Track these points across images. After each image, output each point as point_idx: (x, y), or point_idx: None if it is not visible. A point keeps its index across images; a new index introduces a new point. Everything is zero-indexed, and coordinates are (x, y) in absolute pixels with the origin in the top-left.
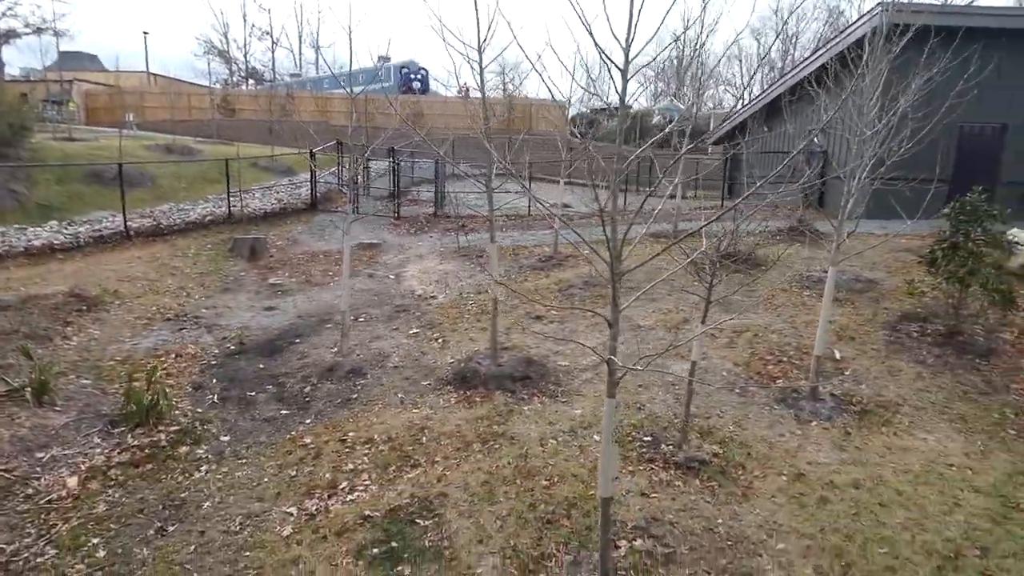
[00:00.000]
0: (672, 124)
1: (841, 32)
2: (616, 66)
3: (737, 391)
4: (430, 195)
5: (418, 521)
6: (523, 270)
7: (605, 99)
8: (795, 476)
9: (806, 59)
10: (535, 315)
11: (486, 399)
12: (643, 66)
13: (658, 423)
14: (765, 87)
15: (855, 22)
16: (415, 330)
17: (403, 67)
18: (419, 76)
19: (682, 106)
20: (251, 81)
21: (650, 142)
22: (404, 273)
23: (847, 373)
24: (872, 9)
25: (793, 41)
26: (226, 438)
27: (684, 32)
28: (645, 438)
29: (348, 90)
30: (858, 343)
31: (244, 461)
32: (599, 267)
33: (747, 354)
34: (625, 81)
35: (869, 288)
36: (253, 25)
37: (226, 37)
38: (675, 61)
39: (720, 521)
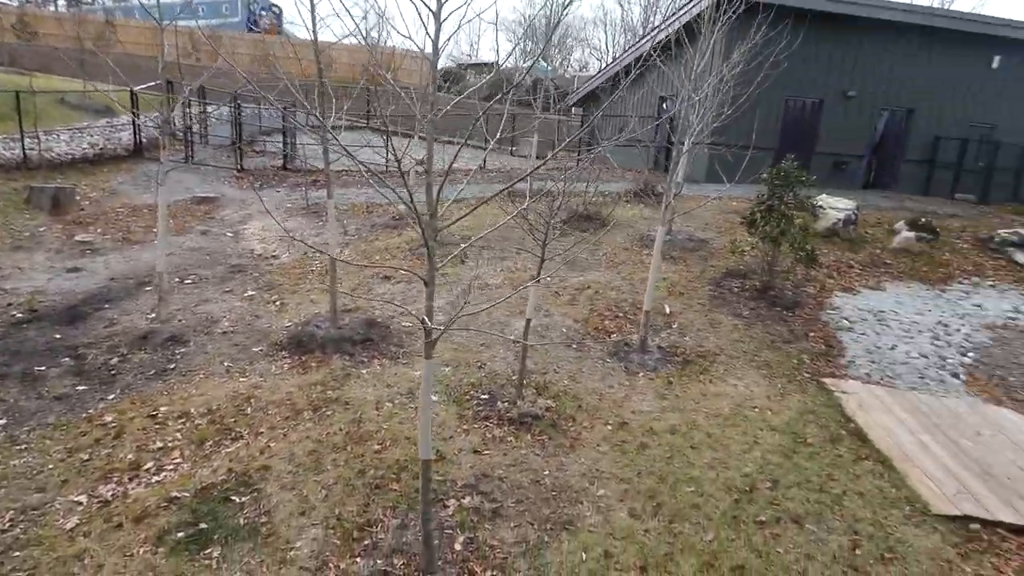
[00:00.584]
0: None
1: (688, 2)
2: (428, 8)
3: (575, 346)
4: (280, 147)
5: (233, 498)
6: (375, 228)
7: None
8: (619, 425)
9: (656, 27)
10: (383, 275)
11: (322, 364)
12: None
13: (496, 381)
14: (620, 53)
15: None
16: (251, 292)
17: (250, 1)
18: (271, 12)
19: (547, 65)
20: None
21: (464, 94)
22: (244, 231)
23: (675, 326)
24: None
25: (653, 9)
26: (1, 422)
27: None
28: (483, 396)
29: (157, 20)
30: (686, 298)
31: (23, 447)
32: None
33: (587, 310)
34: (438, 24)
35: (700, 247)
36: None
37: None
38: (545, 21)
39: (547, 473)
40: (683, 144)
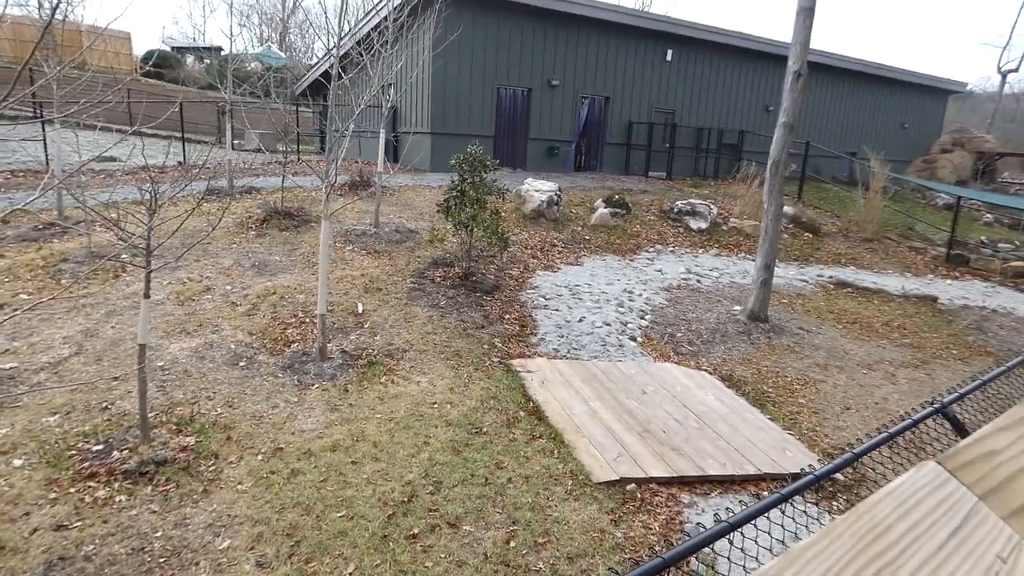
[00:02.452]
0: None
1: None
2: None
3: (242, 364)
4: None
5: None
6: (3, 243)
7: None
8: (273, 452)
9: (368, 12)
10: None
11: None
12: None
13: (123, 423)
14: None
15: None
16: None
17: None
18: None
19: (283, 54)
20: None
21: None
22: None
23: (366, 326)
24: None
25: None
26: None
27: None
28: (94, 448)
29: None
30: (384, 293)
31: None
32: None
33: (268, 320)
34: None
35: (409, 238)
36: None
37: None
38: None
39: (160, 534)
40: (382, 131)
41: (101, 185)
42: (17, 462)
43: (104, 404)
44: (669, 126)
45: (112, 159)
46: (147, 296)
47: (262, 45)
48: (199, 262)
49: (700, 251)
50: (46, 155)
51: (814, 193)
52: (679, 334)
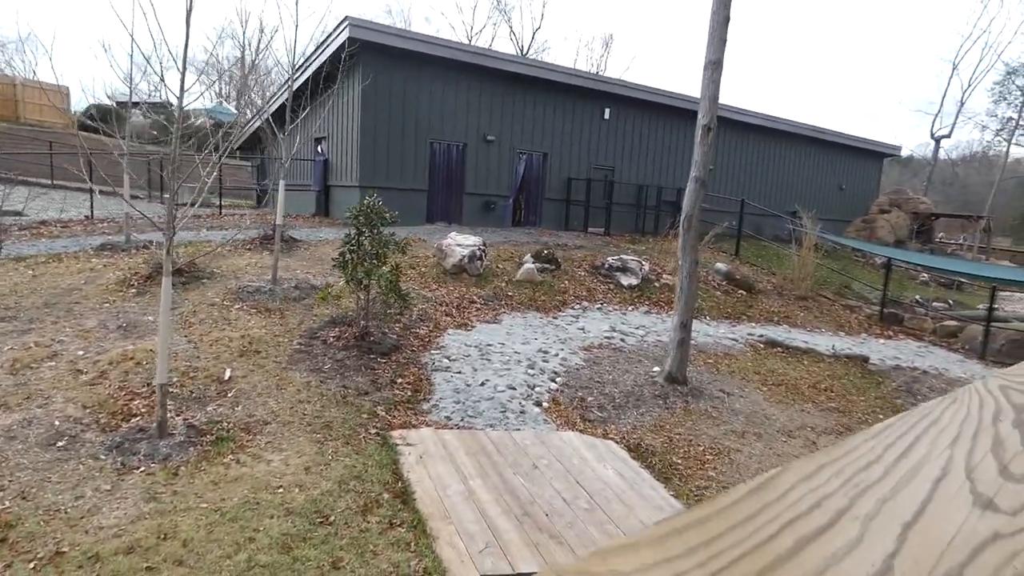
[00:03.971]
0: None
1: (323, 42)
2: None
3: (61, 444)
4: None
5: None
6: None
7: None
8: (51, 557)
9: (299, 67)
10: None
11: None
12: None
13: None
14: (276, 92)
15: (332, 32)
16: None
17: None
18: None
19: (234, 109)
20: None
21: None
22: None
23: (230, 394)
24: (340, 23)
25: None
26: None
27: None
28: None
29: None
30: (262, 356)
31: None
32: None
33: (112, 390)
34: None
35: (309, 295)
36: None
37: None
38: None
39: None
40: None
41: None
42: None
43: None
44: (608, 182)
45: (18, 213)
46: None
47: (214, 102)
48: (56, 324)
49: (629, 308)
50: None
51: (753, 251)
52: (590, 398)
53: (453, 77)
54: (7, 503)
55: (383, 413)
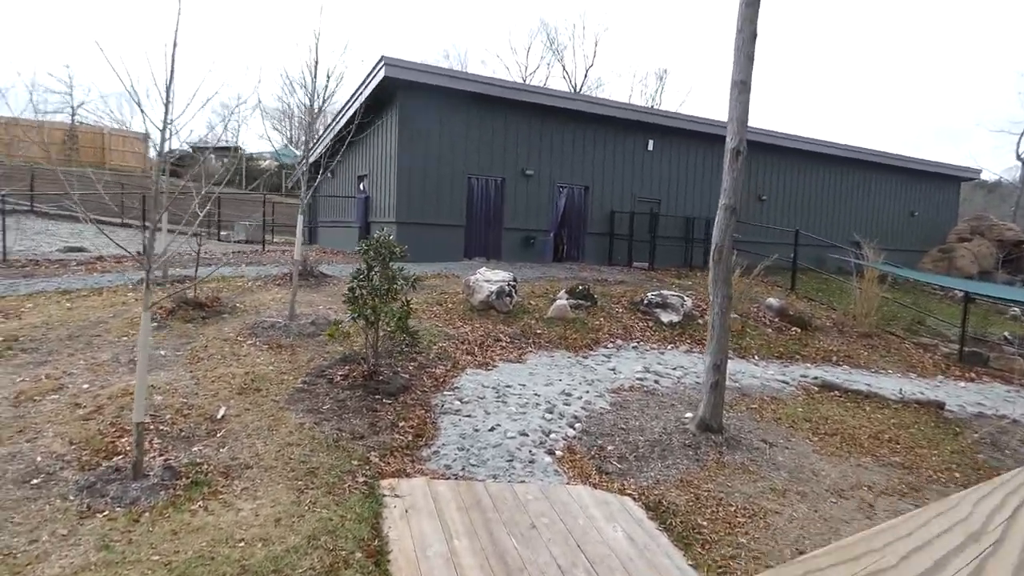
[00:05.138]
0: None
1: (362, 83)
2: None
3: (36, 482)
4: None
5: None
6: None
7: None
8: None
9: (344, 106)
10: None
11: None
12: None
13: None
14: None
15: (370, 73)
16: None
17: None
18: None
19: (298, 152)
20: None
21: None
22: None
23: (219, 434)
24: (377, 63)
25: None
26: None
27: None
28: None
29: None
30: (261, 395)
31: None
32: None
33: (104, 426)
34: None
35: (324, 331)
36: None
37: None
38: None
39: None
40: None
41: (46, 274)
42: None
43: None
44: (653, 215)
45: (81, 249)
46: None
47: (283, 146)
48: (72, 356)
49: (668, 347)
50: (3, 245)
51: (812, 285)
52: (610, 447)
53: (489, 112)
54: None
55: (376, 459)
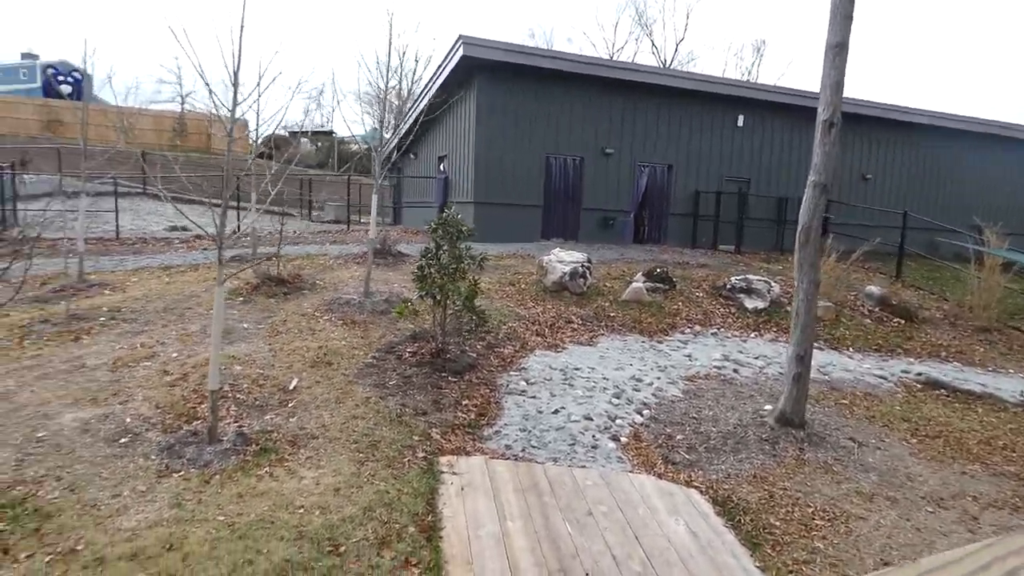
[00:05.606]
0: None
1: (441, 64)
2: None
3: (124, 441)
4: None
5: None
6: (14, 305)
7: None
8: (66, 553)
9: (424, 87)
10: None
11: None
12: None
13: None
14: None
15: (448, 53)
16: None
17: (49, 67)
18: (69, 79)
19: (388, 134)
20: None
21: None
22: None
23: (291, 404)
24: (455, 43)
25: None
26: None
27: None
28: None
29: None
30: (332, 368)
31: None
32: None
33: (187, 392)
34: None
35: (395, 308)
36: None
37: None
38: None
39: None
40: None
41: (151, 251)
42: None
43: None
44: (741, 195)
45: (184, 228)
46: None
47: (372, 129)
48: (166, 327)
49: (752, 334)
50: (117, 224)
51: (923, 272)
52: (679, 436)
53: (568, 89)
54: (56, 493)
55: (437, 436)
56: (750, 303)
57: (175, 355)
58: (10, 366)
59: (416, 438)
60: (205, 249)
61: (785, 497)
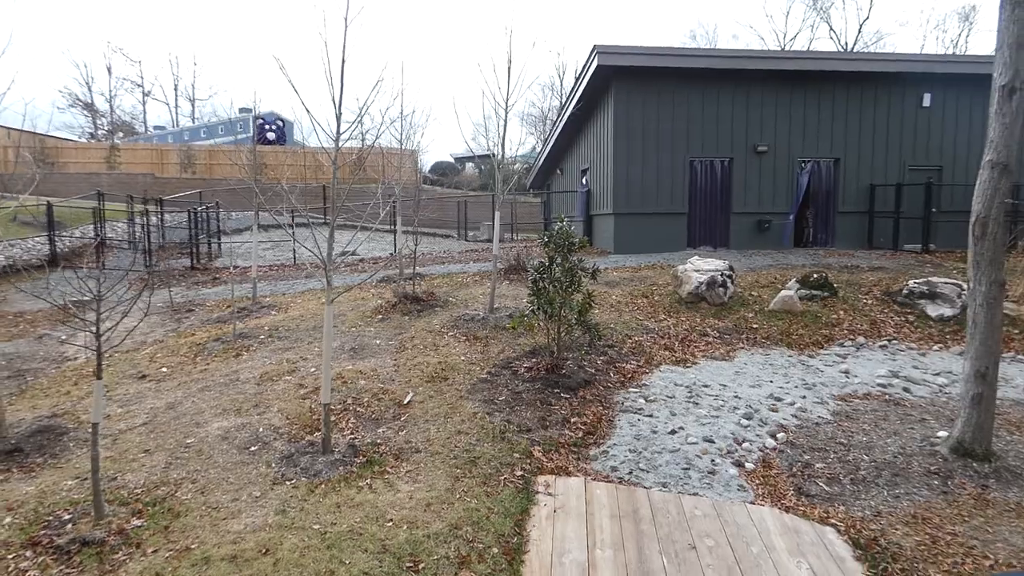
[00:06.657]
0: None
1: (578, 76)
2: None
3: (253, 449)
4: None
5: None
6: (200, 324)
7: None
8: (183, 551)
9: (564, 103)
10: (141, 374)
11: None
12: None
13: (113, 496)
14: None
15: (584, 64)
16: None
17: (258, 118)
18: (274, 127)
19: (537, 150)
20: (120, 134)
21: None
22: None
23: (403, 418)
24: (590, 53)
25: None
26: None
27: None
28: (65, 517)
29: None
30: (448, 383)
31: None
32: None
33: (315, 404)
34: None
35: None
36: (123, 78)
37: (90, 89)
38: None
39: None
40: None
41: (321, 275)
42: (8, 519)
43: (113, 475)
44: (928, 186)
45: (353, 253)
46: (99, 377)
47: (531, 149)
48: (311, 344)
49: (934, 347)
50: (294, 254)
51: None
52: (819, 464)
53: (712, 87)
54: (189, 495)
55: (539, 454)
56: (933, 310)
57: (312, 370)
58: (183, 379)
59: (516, 455)
60: (363, 271)
61: (954, 544)
